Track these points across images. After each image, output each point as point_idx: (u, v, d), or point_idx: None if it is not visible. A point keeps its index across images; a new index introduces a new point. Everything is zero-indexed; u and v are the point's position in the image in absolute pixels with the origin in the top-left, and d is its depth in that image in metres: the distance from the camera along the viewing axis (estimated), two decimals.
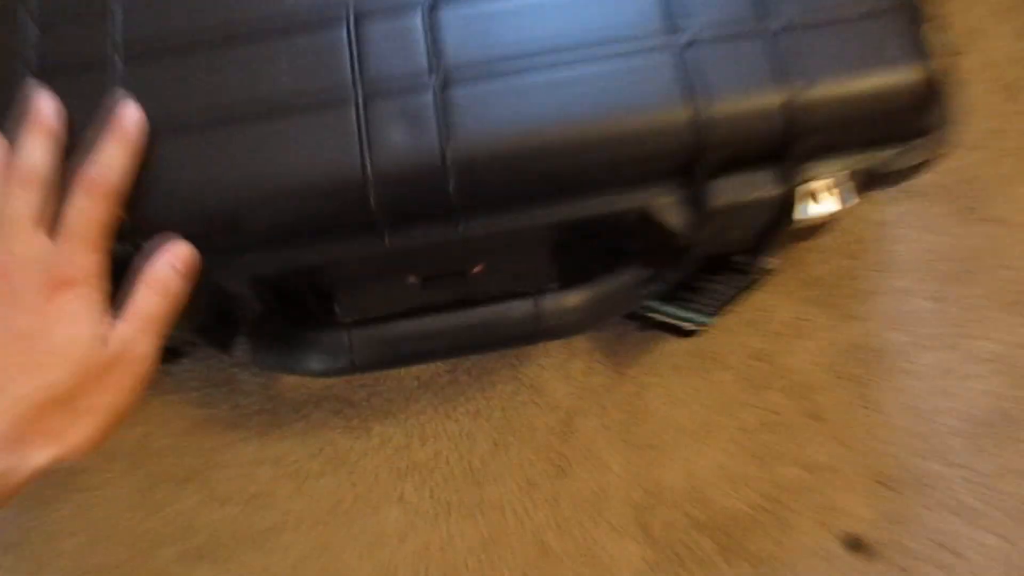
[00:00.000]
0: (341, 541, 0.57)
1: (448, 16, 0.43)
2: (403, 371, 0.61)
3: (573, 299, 0.47)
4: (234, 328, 0.50)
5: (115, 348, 0.39)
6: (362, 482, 0.59)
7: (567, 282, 0.48)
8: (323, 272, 0.48)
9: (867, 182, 0.45)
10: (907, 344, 0.59)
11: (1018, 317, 0.59)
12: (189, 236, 0.41)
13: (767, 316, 0.60)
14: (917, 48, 0.42)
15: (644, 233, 0.46)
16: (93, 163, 0.40)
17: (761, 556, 0.54)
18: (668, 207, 0.44)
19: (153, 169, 0.41)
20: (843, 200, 0.44)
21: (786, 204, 0.44)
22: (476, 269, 0.51)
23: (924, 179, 0.58)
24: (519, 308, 0.46)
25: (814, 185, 0.44)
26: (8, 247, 0.38)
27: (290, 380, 0.60)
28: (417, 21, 0.43)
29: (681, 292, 0.56)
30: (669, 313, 0.56)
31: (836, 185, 0.44)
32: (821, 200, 0.44)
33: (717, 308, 0.55)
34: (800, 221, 0.45)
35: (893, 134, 0.43)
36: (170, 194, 0.41)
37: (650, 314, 0.56)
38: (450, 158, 0.41)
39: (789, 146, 0.42)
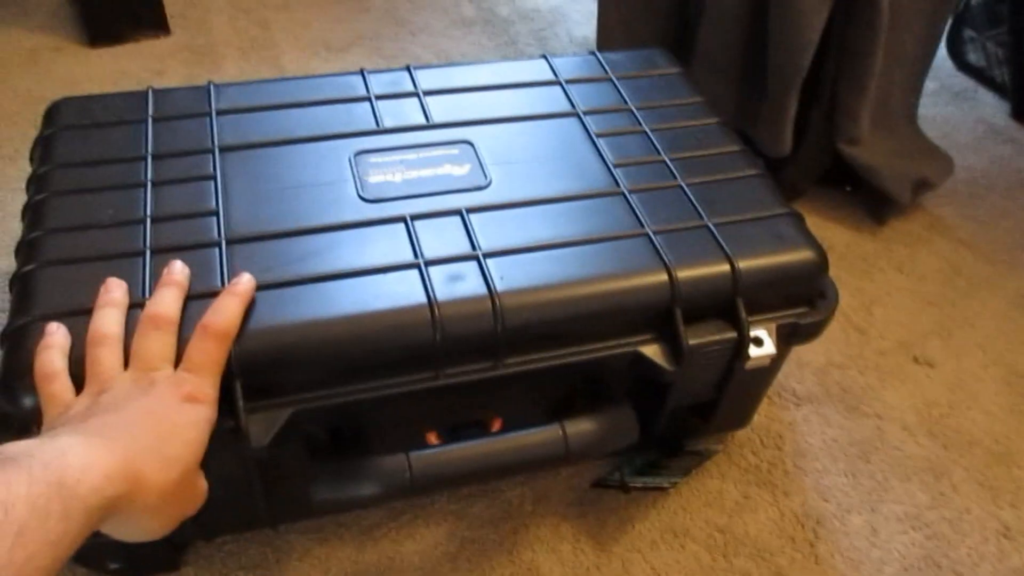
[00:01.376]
0: None
1: (476, 219, 0.59)
2: (406, 562, 0.65)
3: (589, 424, 0.57)
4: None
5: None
6: None
7: None
8: (370, 419, 0.56)
9: (790, 335, 0.61)
10: (837, 511, 0.71)
11: (914, 485, 0.74)
12: (287, 367, 0.51)
13: (720, 498, 0.71)
14: (809, 239, 0.61)
15: (636, 375, 0.58)
16: (215, 312, 0.49)
17: None
18: (656, 348, 0.57)
19: (265, 315, 0.51)
20: (776, 347, 0.59)
21: (740, 346, 0.58)
22: (495, 426, 0.60)
23: (814, 390, 0.77)
24: (549, 433, 0.55)
25: (756, 333, 0.59)
26: (150, 374, 0.46)
27: None
28: (458, 220, 0.59)
29: (654, 469, 0.68)
30: (649, 480, 0.66)
31: (771, 335, 0.59)
32: (763, 344, 0.59)
33: (687, 471, 0.67)
34: (751, 360, 0.59)
35: (800, 295, 0.60)
36: (279, 333, 0.51)
37: (633, 484, 0.66)
38: (497, 304, 0.53)
39: (735, 303, 0.58)
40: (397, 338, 0.52)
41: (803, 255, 0.60)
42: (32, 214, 0.57)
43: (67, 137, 0.63)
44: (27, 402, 0.48)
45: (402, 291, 0.53)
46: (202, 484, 0.48)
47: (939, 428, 0.78)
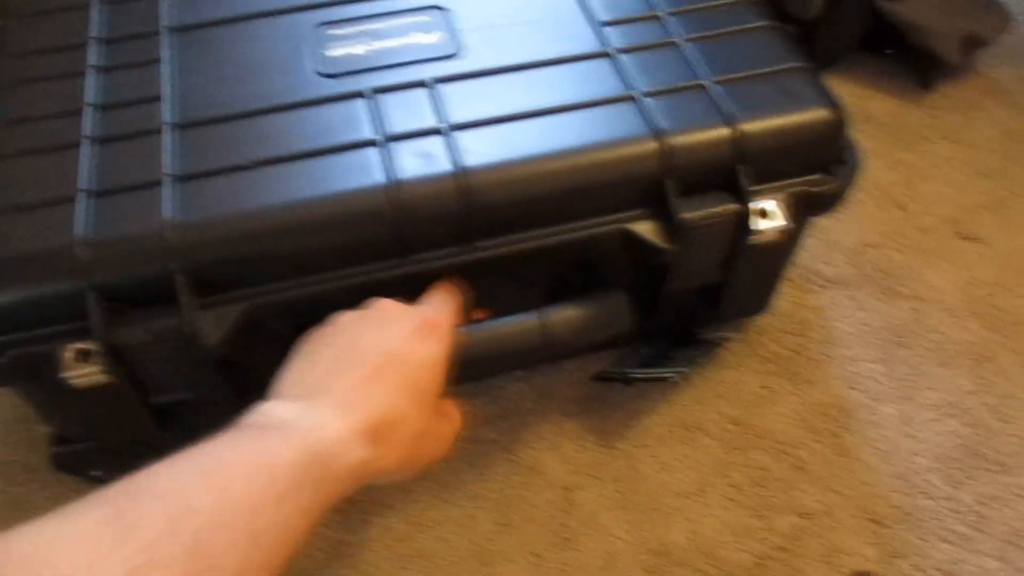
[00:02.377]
0: None
1: (445, 90, 0.53)
2: None
3: (572, 311, 0.52)
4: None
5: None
6: (365, 574, 0.57)
7: None
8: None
9: (804, 206, 0.54)
10: (866, 400, 0.65)
11: (954, 370, 0.67)
12: (237, 260, 0.47)
13: (735, 389, 0.66)
14: (823, 95, 0.53)
15: (629, 256, 0.52)
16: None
17: None
18: (647, 225, 0.51)
19: (211, 204, 0.47)
20: (788, 218, 0.53)
21: (742, 219, 0.52)
22: (478, 315, 0.55)
23: (846, 271, 0.70)
24: (524, 322, 0.51)
25: (763, 204, 0.52)
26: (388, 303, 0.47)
27: None
28: (424, 93, 0.53)
29: (660, 360, 0.62)
30: (652, 371, 0.61)
31: (781, 206, 0.53)
32: (771, 217, 0.53)
33: (689, 363, 0.61)
34: (757, 234, 0.52)
35: (813, 161, 0.53)
36: (225, 223, 0.47)
37: (634, 375, 0.61)
38: (464, 182, 0.48)
39: (736, 170, 0.51)
40: (353, 223, 0.48)
41: (815, 114, 0.53)
42: None
43: (14, 27, 0.59)
44: None
45: (359, 171, 0.49)
46: (447, 423, 0.47)
47: (985, 309, 0.70)
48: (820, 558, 0.58)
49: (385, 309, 0.46)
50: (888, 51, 0.89)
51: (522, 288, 0.55)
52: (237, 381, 0.52)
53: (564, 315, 0.51)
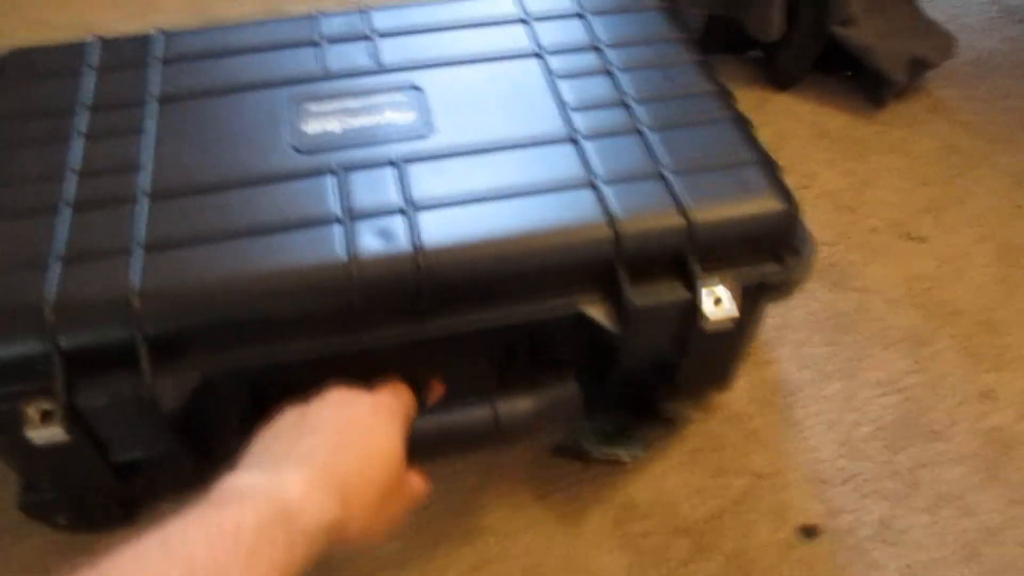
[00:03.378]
0: None
1: (413, 170, 0.55)
2: None
3: (525, 402, 0.53)
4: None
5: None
6: None
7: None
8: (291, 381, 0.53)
9: (757, 294, 0.55)
10: (814, 378, 0.72)
11: (895, 353, 0.74)
12: (199, 327, 0.49)
13: None
14: (777, 187, 0.55)
15: (580, 336, 0.54)
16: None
17: (731, 551, 0.62)
18: (599, 308, 0.53)
19: (177, 273, 0.49)
20: (740, 308, 0.54)
21: (691, 307, 0.53)
22: (435, 394, 0.57)
23: None
24: (478, 412, 0.52)
25: (716, 291, 0.54)
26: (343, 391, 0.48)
27: None
28: (392, 172, 0.55)
29: (615, 435, 0.64)
30: (608, 451, 0.62)
31: (733, 294, 0.54)
32: (722, 304, 0.54)
33: (647, 444, 0.63)
34: (707, 321, 0.54)
35: (766, 250, 0.55)
36: (189, 292, 0.49)
37: (590, 451, 0.62)
38: (420, 263, 0.50)
39: (688, 258, 0.53)
40: (311, 295, 0.50)
41: (768, 204, 0.54)
42: None
43: (6, 88, 0.61)
44: None
45: (320, 247, 0.51)
46: (414, 481, 0.49)
47: (925, 300, 0.78)
48: (771, 512, 0.64)
49: (342, 393, 0.48)
50: (848, 72, 0.98)
51: (474, 359, 0.57)
52: (195, 442, 0.53)
53: (516, 406, 0.52)
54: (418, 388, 0.56)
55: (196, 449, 0.54)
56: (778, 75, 0.97)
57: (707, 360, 0.60)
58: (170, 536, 0.36)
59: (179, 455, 0.53)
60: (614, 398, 0.62)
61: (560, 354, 0.57)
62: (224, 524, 0.36)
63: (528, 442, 0.65)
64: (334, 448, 0.44)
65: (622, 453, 0.62)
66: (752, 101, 0.94)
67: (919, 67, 0.95)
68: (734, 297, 0.54)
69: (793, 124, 0.93)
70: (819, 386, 0.71)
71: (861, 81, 0.97)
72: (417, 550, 0.61)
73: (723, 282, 0.54)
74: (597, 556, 0.61)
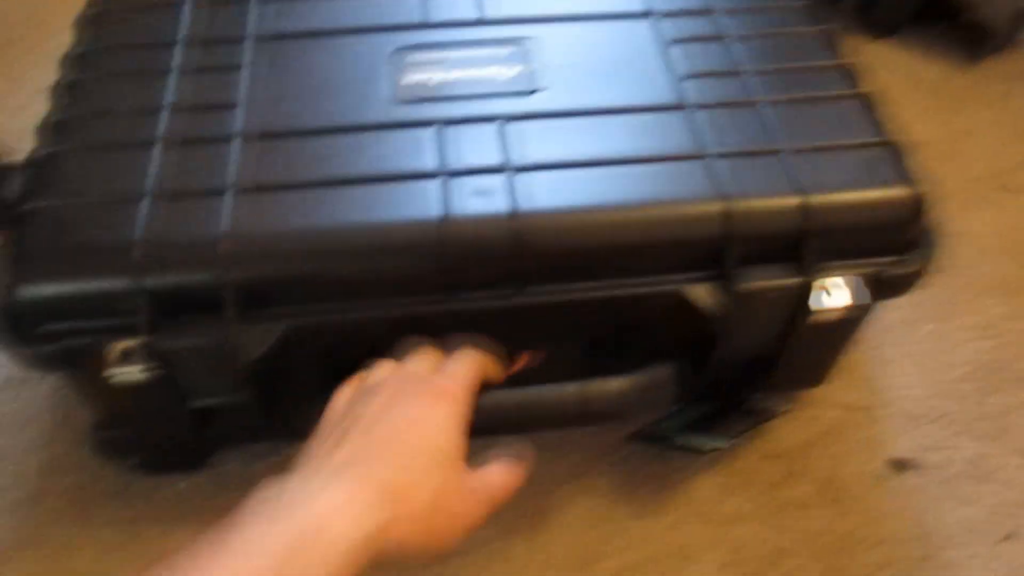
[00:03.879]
0: None
1: (515, 128, 0.52)
2: None
3: (616, 384, 0.50)
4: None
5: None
6: None
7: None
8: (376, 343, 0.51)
9: (873, 288, 0.52)
10: (906, 319, 0.72)
11: (989, 300, 0.73)
12: (287, 278, 0.47)
13: None
14: (906, 174, 0.51)
15: (679, 319, 0.51)
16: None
17: (821, 479, 0.62)
18: (702, 291, 0.50)
19: (268, 219, 0.47)
20: (855, 297, 0.50)
21: (803, 295, 0.50)
22: (518, 364, 0.55)
23: None
24: (567, 391, 0.50)
25: (827, 282, 0.50)
26: (406, 367, 0.46)
27: None
28: (494, 129, 0.52)
29: (697, 425, 0.61)
30: (689, 440, 0.59)
31: (847, 286, 0.51)
32: (836, 295, 0.50)
33: (735, 435, 0.59)
34: (816, 312, 0.50)
35: (888, 242, 0.51)
36: (280, 240, 0.47)
37: (670, 439, 0.59)
38: (519, 227, 0.47)
39: (803, 243, 0.49)
40: (402, 254, 0.48)
41: (895, 192, 0.50)
42: (59, 95, 0.55)
43: (107, 18, 0.60)
44: (25, 290, 0.46)
45: (416, 202, 0.48)
46: (491, 479, 0.44)
47: (1020, 250, 0.77)
48: (861, 445, 0.64)
49: (398, 375, 0.45)
50: (944, 23, 0.94)
51: (564, 336, 0.54)
52: (270, 395, 0.52)
53: (607, 386, 0.50)
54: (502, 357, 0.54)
55: (270, 402, 0.52)
56: (875, 23, 0.95)
57: (808, 354, 0.57)
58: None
59: (253, 406, 0.52)
60: (701, 387, 0.58)
61: (653, 337, 0.54)
62: (250, 550, 0.34)
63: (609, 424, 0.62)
64: (379, 449, 0.40)
65: (704, 443, 0.59)
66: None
67: (1021, 21, 0.92)
68: (848, 288, 0.50)
69: (888, 74, 0.89)
70: (911, 326, 0.71)
71: (959, 33, 0.94)
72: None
73: (838, 272, 0.50)
74: (688, 473, 0.62)
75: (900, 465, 0.63)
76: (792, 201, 0.49)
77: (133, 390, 0.48)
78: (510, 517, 0.58)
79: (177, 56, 0.57)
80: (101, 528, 0.60)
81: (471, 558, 0.58)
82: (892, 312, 0.71)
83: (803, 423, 0.65)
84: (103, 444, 0.60)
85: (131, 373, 0.47)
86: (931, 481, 0.62)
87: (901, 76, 0.92)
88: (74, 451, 0.63)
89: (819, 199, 0.49)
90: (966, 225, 0.78)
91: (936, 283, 0.67)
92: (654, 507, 0.61)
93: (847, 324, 0.54)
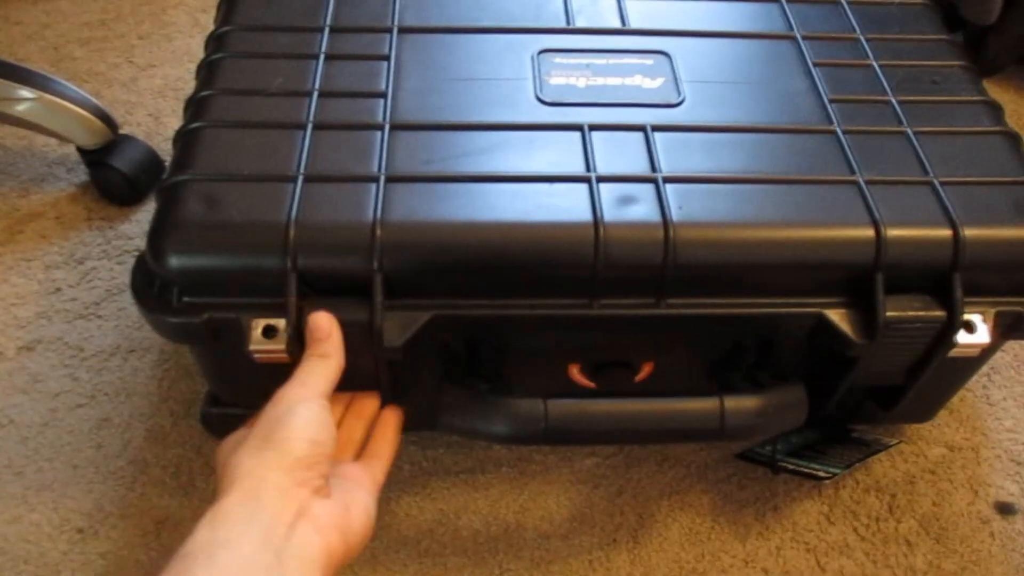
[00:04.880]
0: None
1: (661, 138, 0.52)
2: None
3: (752, 402, 0.50)
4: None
5: None
6: None
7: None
8: (512, 340, 0.51)
9: (1008, 327, 0.51)
10: (1011, 363, 0.71)
11: None
12: (434, 268, 0.47)
13: None
14: None
15: (817, 342, 0.50)
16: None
17: (924, 516, 0.62)
18: (842, 315, 0.49)
19: (418, 208, 0.48)
20: (996, 334, 0.50)
21: (947, 329, 0.49)
22: (643, 373, 0.54)
23: None
24: (704, 405, 0.49)
25: (969, 316, 0.50)
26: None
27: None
28: (640, 137, 0.52)
29: (802, 450, 0.60)
30: (803, 464, 0.59)
31: (987, 322, 0.50)
32: (975, 332, 0.50)
33: (849, 464, 0.59)
34: (957, 347, 0.50)
35: None
36: (429, 229, 0.47)
37: (784, 463, 0.59)
38: (671, 235, 0.47)
39: (951, 276, 0.49)
40: (554, 255, 0.47)
41: None
42: (206, 72, 0.56)
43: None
44: (173, 261, 0.46)
45: (566, 205, 0.48)
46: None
47: None
48: (965, 484, 0.64)
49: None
50: None
51: (699, 351, 0.54)
52: (403, 384, 0.52)
53: (743, 404, 0.49)
54: (632, 366, 0.54)
55: (402, 391, 0.52)
56: (982, 62, 0.93)
57: (933, 388, 0.56)
58: None
59: (387, 393, 0.52)
60: (823, 413, 0.58)
61: (787, 359, 0.53)
62: None
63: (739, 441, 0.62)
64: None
65: (819, 470, 0.58)
66: None
67: None
68: (987, 325, 0.50)
69: None
70: (1018, 370, 0.71)
71: None
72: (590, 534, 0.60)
73: (980, 307, 0.50)
74: (792, 499, 0.62)
75: (1006, 509, 0.62)
76: (944, 233, 0.49)
77: (270, 367, 0.48)
78: (611, 527, 0.58)
79: (321, 40, 0.57)
80: (203, 503, 0.60)
81: (572, 565, 0.58)
82: (999, 355, 0.70)
83: (907, 458, 0.65)
84: (214, 420, 0.60)
85: (273, 351, 0.47)
86: None
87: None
88: (179, 423, 0.63)
89: (971, 232, 0.48)
90: None
91: None
92: (758, 529, 0.60)
93: (976, 361, 0.54)
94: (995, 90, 0.90)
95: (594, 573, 0.58)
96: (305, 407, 0.43)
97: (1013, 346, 0.71)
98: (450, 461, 0.63)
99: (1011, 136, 0.55)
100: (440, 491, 0.61)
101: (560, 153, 0.51)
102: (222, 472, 0.42)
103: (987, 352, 0.53)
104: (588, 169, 0.50)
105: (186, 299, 0.48)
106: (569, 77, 0.56)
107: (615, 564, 0.58)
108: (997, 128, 0.55)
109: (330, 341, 0.46)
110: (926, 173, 0.51)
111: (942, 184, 0.51)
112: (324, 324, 0.46)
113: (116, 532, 0.58)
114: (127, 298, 0.69)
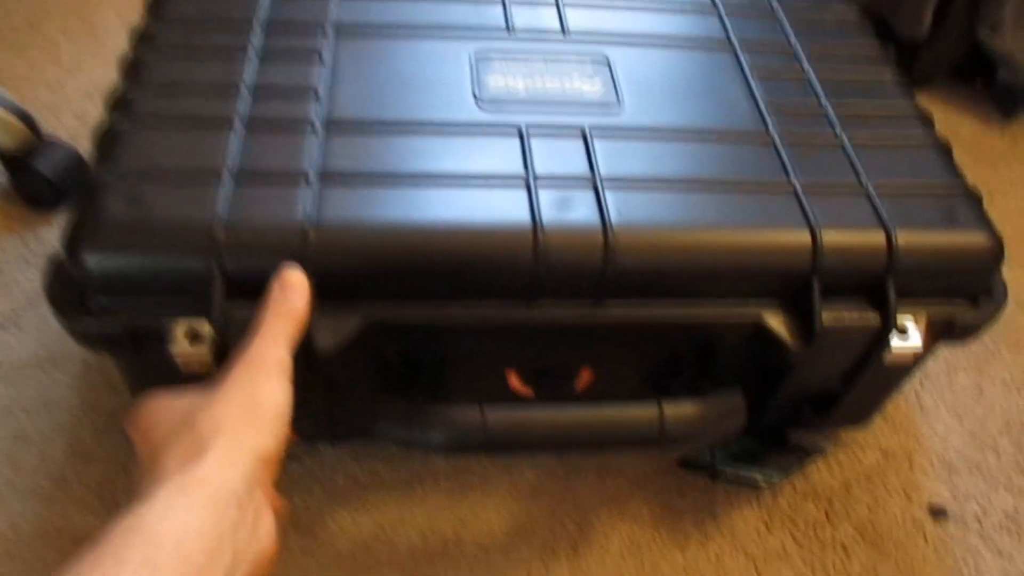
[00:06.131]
0: None
1: (601, 143, 0.52)
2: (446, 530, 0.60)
3: (691, 408, 0.50)
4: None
5: None
6: None
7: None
8: (447, 345, 0.50)
9: (940, 331, 0.52)
10: (944, 370, 0.72)
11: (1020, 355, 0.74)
12: (366, 270, 0.46)
13: None
14: (985, 222, 0.51)
15: (754, 347, 0.50)
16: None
17: (860, 521, 0.62)
18: (779, 320, 0.49)
19: (351, 209, 0.46)
20: (931, 339, 0.50)
21: (881, 333, 0.50)
22: (584, 381, 0.54)
23: None
24: (644, 412, 0.48)
25: (904, 323, 0.50)
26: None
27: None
28: (579, 140, 0.52)
29: (749, 458, 0.60)
30: (745, 472, 0.59)
31: (920, 328, 0.51)
32: (908, 337, 0.50)
33: (787, 470, 0.59)
34: (891, 354, 0.50)
35: (962, 287, 0.51)
36: (363, 231, 0.46)
37: (724, 470, 0.59)
38: (609, 238, 0.46)
39: (886, 281, 0.49)
40: (491, 257, 0.46)
41: (975, 239, 0.51)
42: (131, 68, 0.54)
43: None
44: (91, 262, 0.44)
45: (504, 206, 0.47)
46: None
47: None
48: (899, 490, 0.64)
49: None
50: (979, 80, 0.97)
51: (636, 357, 0.53)
52: (334, 395, 0.51)
53: (682, 410, 0.49)
54: (570, 372, 0.53)
55: (336, 400, 0.51)
56: (913, 74, 0.96)
57: (868, 392, 0.57)
58: None
59: (315, 403, 0.50)
60: (762, 419, 0.58)
61: (723, 365, 0.53)
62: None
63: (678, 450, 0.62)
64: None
65: (758, 476, 0.58)
66: None
67: None
68: (922, 330, 0.50)
69: None
70: (949, 378, 0.72)
71: (993, 91, 0.96)
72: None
73: (912, 311, 0.50)
74: (731, 506, 0.62)
75: (938, 512, 0.63)
76: (879, 238, 0.49)
77: (194, 373, 0.46)
78: (550, 539, 0.57)
79: (254, 37, 0.55)
80: None
81: None
82: (931, 363, 0.71)
83: (842, 465, 0.65)
84: None
85: (197, 355, 0.45)
86: (968, 531, 0.62)
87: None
88: (102, 438, 0.60)
89: (906, 237, 0.49)
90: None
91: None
92: (697, 538, 0.60)
93: (912, 365, 0.54)
94: (926, 101, 0.92)
95: None
96: (284, 391, 0.39)
97: (944, 353, 0.72)
98: (387, 473, 0.61)
99: (941, 145, 0.56)
100: (376, 504, 0.59)
101: (498, 155, 0.50)
102: (175, 434, 0.37)
103: (921, 357, 0.53)
104: (526, 171, 0.49)
105: (105, 304, 0.46)
106: (508, 80, 0.55)
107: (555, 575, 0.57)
108: (929, 137, 0.56)
109: (303, 295, 0.43)
110: (860, 179, 0.52)
111: (875, 190, 0.51)
112: (297, 279, 0.43)
113: (33, 553, 0.55)
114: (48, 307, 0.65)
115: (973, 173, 0.84)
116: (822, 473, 0.64)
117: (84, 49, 0.89)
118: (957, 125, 0.95)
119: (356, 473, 0.61)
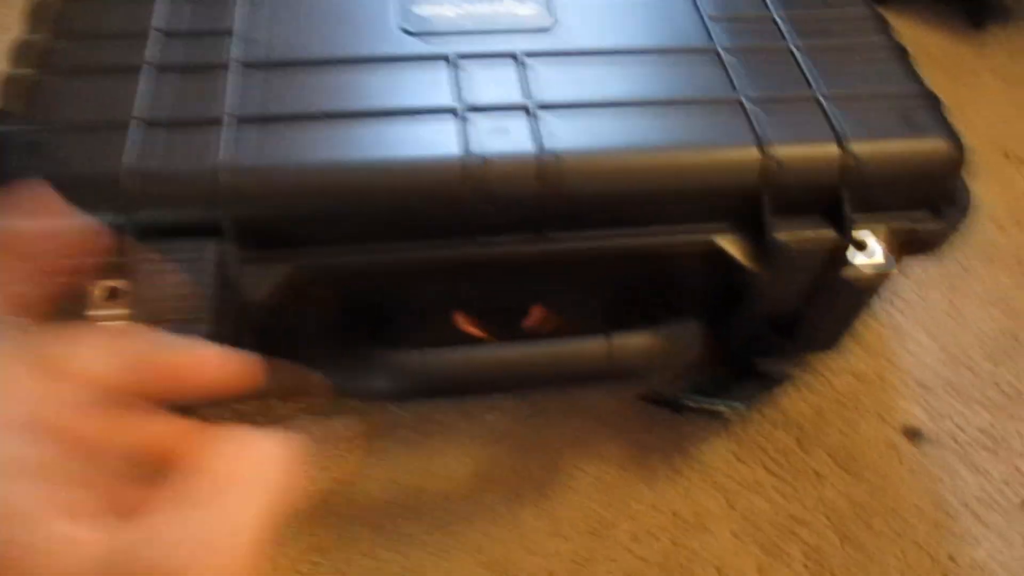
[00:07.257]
0: None
1: (536, 66, 0.49)
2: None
3: (641, 339, 0.48)
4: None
5: None
6: None
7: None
8: (389, 290, 0.48)
9: (904, 245, 0.49)
10: (915, 287, 0.70)
11: (998, 268, 0.72)
12: (292, 215, 0.43)
13: None
14: (946, 127, 0.49)
15: (708, 272, 0.48)
16: None
17: (833, 446, 0.60)
18: (733, 242, 0.47)
19: (272, 151, 0.43)
20: (890, 253, 0.48)
21: (839, 250, 0.47)
22: (533, 317, 0.51)
23: None
24: (591, 345, 0.46)
25: (864, 238, 0.48)
26: None
27: None
28: (511, 65, 0.49)
29: (716, 389, 0.58)
30: (709, 402, 0.57)
31: (881, 241, 0.48)
32: (870, 252, 0.48)
33: (750, 400, 0.57)
34: (853, 270, 0.48)
35: (923, 197, 0.49)
36: (285, 174, 0.43)
37: (686, 402, 0.57)
38: (546, 164, 0.44)
39: (841, 194, 0.47)
40: (423, 194, 0.44)
41: (935, 145, 0.48)
42: (37, 14, 0.50)
43: None
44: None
45: (433, 139, 0.45)
46: None
47: None
48: (872, 413, 0.62)
49: None
50: None
51: (586, 290, 0.51)
52: (276, 348, 0.48)
53: (632, 342, 0.47)
54: (521, 311, 0.51)
55: (274, 353, 0.48)
56: None
57: (833, 313, 0.55)
58: None
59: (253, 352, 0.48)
60: (723, 348, 0.56)
61: (678, 294, 0.51)
62: None
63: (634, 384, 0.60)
64: None
65: (722, 407, 0.56)
66: None
67: None
68: (883, 244, 0.48)
69: None
70: (920, 295, 0.70)
71: (963, 2, 0.93)
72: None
73: (873, 226, 0.48)
74: (699, 439, 0.60)
75: (913, 434, 0.62)
76: (831, 149, 0.47)
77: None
78: (515, 482, 0.56)
79: None
80: None
81: (476, 524, 0.55)
82: (901, 280, 0.69)
83: (814, 391, 0.63)
84: None
85: (116, 315, 0.43)
86: (944, 450, 0.61)
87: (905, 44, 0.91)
88: None
89: (859, 147, 0.47)
90: (974, 195, 0.76)
91: (946, 252, 0.67)
92: (666, 473, 0.58)
93: (876, 282, 0.52)
94: (895, 18, 0.87)
95: (499, 530, 0.55)
96: None
97: (915, 270, 0.70)
98: (342, 428, 0.59)
99: (897, 48, 0.53)
100: (333, 460, 0.58)
101: (426, 85, 0.48)
102: None
103: (886, 274, 0.51)
104: (456, 100, 0.46)
105: None
106: (436, 6, 0.52)
107: (521, 519, 0.56)
108: (886, 41, 0.53)
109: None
110: (810, 88, 0.49)
111: (827, 99, 0.49)
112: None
113: None
114: None
115: (941, 86, 0.82)
116: (794, 401, 0.63)
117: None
118: (925, 38, 0.92)
119: (310, 429, 0.59)
